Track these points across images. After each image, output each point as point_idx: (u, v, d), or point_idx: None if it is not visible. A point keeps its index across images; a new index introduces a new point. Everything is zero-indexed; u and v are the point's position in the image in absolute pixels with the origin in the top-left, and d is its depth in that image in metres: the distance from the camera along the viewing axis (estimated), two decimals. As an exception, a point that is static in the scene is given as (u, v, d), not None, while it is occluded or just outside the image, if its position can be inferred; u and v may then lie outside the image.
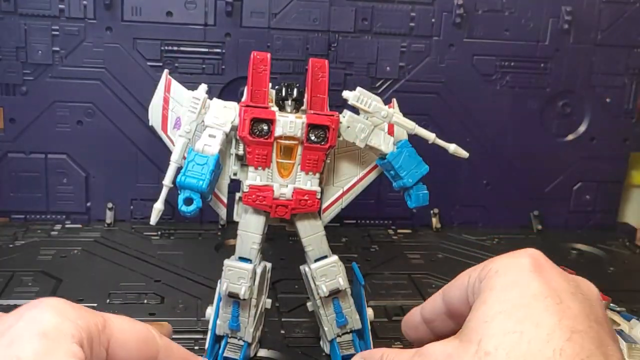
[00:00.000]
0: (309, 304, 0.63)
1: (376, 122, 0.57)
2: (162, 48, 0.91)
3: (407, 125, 0.58)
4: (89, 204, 0.95)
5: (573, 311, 0.42)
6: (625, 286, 0.84)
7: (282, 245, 0.84)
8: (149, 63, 0.91)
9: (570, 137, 1.03)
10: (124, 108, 0.92)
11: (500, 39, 0.97)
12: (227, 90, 0.92)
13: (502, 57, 0.98)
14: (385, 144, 0.57)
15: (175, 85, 0.58)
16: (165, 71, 0.59)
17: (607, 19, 0.98)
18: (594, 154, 1.03)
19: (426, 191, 0.58)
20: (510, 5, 0.96)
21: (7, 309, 0.69)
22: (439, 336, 0.49)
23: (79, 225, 0.94)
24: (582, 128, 1.02)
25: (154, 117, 0.59)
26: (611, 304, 0.67)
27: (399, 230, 0.99)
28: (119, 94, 0.92)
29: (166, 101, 0.58)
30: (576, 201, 1.04)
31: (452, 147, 0.58)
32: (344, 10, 0.93)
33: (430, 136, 0.58)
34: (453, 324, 0.52)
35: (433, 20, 0.95)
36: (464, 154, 0.58)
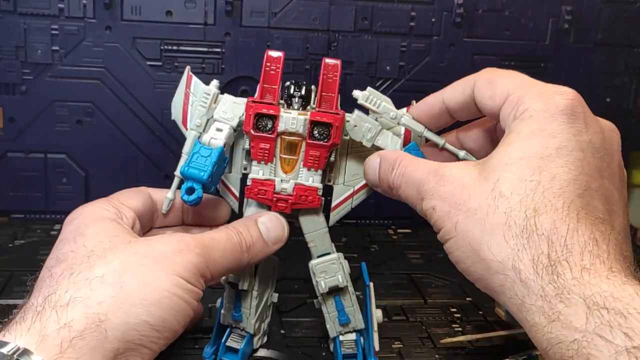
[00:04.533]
0: (315, 301, 0.63)
1: (385, 124, 0.58)
2: (162, 47, 0.91)
3: (416, 129, 0.58)
4: (88, 204, 0.95)
5: (591, 167, 0.46)
6: (625, 286, 0.83)
7: (283, 246, 0.84)
8: (148, 62, 0.91)
9: (570, 136, 1.02)
10: (124, 107, 0.92)
11: (500, 39, 0.97)
12: (227, 90, 0.91)
13: (502, 57, 0.98)
14: (392, 144, 0.57)
15: (195, 80, 0.59)
16: (187, 67, 0.60)
17: (607, 19, 0.98)
18: (594, 153, 1.03)
19: None
20: (510, 5, 0.96)
21: (7, 308, 0.69)
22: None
23: (79, 225, 0.94)
24: (582, 128, 1.02)
25: (176, 112, 0.60)
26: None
27: (399, 230, 0.99)
28: (118, 94, 0.91)
29: (187, 97, 0.59)
30: (576, 201, 1.04)
31: (462, 154, 0.58)
32: (344, 10, 0.93)
33: (440, 141, 0.58)
34: (477, 114, 0.55)
35: (433, 19, 0.95)
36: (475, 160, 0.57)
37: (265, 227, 0.56)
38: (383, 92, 0.94)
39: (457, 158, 0.58)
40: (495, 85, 0.52)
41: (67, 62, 0.90)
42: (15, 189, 0.93)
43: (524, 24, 0.97)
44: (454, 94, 0.56)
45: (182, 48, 0.91)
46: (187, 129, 0.59)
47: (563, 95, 0.49)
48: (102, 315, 0.44)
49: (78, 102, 0.91)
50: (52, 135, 0.92)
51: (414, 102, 0.60)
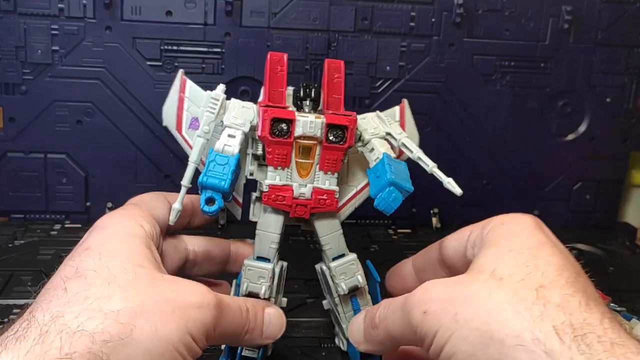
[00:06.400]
0: (324, 302, 0.63)
1: (380, 133, 0.58)
2: (162, 47, 0.91)
3: (412, 149, 0.58)
4: (88, 204, 0.95)
5: (572, 260, 0.47)
6: (625, 286, 0.83)
7: (282, 246, 0.84)
8: (148, 62, 0.91)
9: (570, 136, 1.03)
10: (124, 108, 0.92)
11: (500, 39, 0.97)
12: (227, 90, 0.91)
13: (502, 57, 0.98)
14: (384, 149, 0.57)
15: (191, 84, 0.58)
16: (180, 71, 0.59)
17: (607, 19, 0.98)
18: (594, 153, 1.03)
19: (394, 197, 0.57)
20: (510, 5, 0.96)
21: (6, 309, 0.69)
22: None
23: (79, 225, 0.94)
24: (582, 128, 1.02)
25: (168, 117, 0.59)
26: (611, 304, 0.67)
27: (399, 230, 0.99)
28: (118, 94, 0.91)
29: (181, 101, 0.58)
30: (576, 201, 1.04)
31: (446, 181, 0.58)
32: (344, 10, 0.93)
33: (429, 163, 0.58)
34: (444, 274, 0.56)
35: (433, 19, 0.95)
36: (458, 191, 0.57)
37: (269, 319, 0.55)
38: (383, 92, 0.96)
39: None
40: (459, 230, 0.55)
41: (67, 62, 0.90)
42: (15, 189, 0.93)
43: (524, 24, 0.97)
44: (421, 255, 0.60)
45: (182, 48, 0.91)
46: (181, 135, 0.58)
47: (521, 214, 0.52)
48: (105, 355, 0.42)
49: (78, 102, 0.91)
50: (52, 135, 0.92)
51: (405, 100, 0.61)
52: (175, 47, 0.91)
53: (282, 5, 0.92)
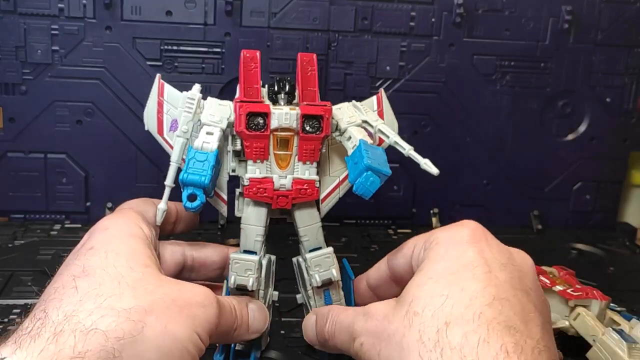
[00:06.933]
0: (298, 296, 0.64)
1: (356, 122, 0.59)
2: (162, 47, 0.91)
3: (388, 134, 0.59)
4: (88, 204, 0.95)
5: (499, 280, 0.46)
6: (625, 286, 0.84)
7: (281, 246, 0.84)
8: (148, 62, 0.91)
9: (570, 137, 1.03)
10: (124, 108, 0.92)
11: (500, 39, 0.97)
12: (227, 90, 0.92)
13: (502, 57, 0.98)
14: (361, 136, 0.57)
15: (168, 88, 0.59)
16: (158, 75, 0.60)
17: (607, 19, 0.98)
18: (594, 154, 1.03)
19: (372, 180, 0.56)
20: (510, 5, 0.96)
21: (7, 309, 0.69)
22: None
23: (79, 225, 0.94)
24: (582, 128, 1.02)
25: (150, 122, 0.60)
26: (611, 304, 0.67)
27: (399, 230, 0.99)
28: (118, 94, 0.91)
29: (160, 105, 0.59)
30: (576, 201, 1.04)
31: (422, 162, 0.58)
32: (344, 10, 0.93)
33: (406, 147, 0.58)
34: (398, 289, 0.56)
35: (433, 19, 0.95)
36: (434, 170, 0.57)
37: (253, 314, 0.57)
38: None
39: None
40: (403, 246, 0.56)
41: (67, 62, 0.90)
42: (15, 189, 0.93)
43: (524, 24, 0.97)
44: (373, 272, 0.60)
45: (182, 48, 0.91)
46: (163, 138, 0.59)
47: (464, 225, 0.52)
48: (117, 352, 0.43)
49: (78, 102, 0.91)
50: (52, 135, 0.92)
51: (382, 90, 0.63)
52: (175, 47, 0.91)
53: (282, 5, 0.92)
